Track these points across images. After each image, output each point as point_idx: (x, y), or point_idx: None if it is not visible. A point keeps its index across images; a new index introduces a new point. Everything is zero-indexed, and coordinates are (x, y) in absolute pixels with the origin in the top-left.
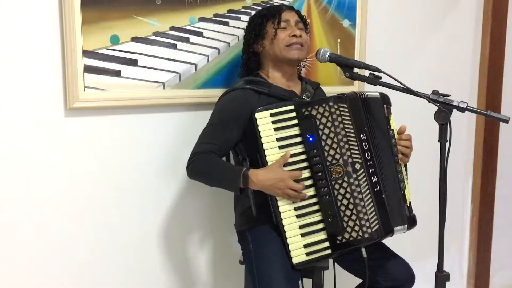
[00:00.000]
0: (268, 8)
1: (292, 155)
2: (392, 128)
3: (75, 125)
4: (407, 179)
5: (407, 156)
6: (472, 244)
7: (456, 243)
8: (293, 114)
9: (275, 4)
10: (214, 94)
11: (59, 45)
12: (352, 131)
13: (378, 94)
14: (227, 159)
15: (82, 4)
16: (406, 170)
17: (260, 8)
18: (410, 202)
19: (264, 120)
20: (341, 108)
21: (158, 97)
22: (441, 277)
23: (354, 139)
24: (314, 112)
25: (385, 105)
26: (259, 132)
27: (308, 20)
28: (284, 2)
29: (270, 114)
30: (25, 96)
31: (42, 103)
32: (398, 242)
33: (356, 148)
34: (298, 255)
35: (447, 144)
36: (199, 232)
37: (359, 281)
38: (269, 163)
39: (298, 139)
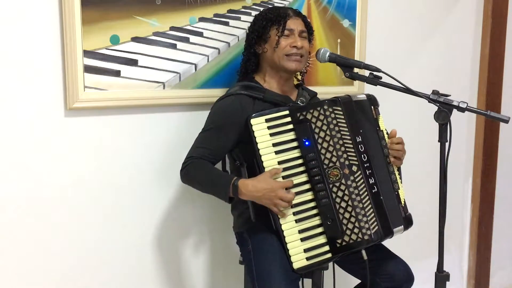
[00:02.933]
0: (275, 11)
1: (289, 160)
2: (381, 129)
3: (75, 125)
4: (400, 179)
5: (399, 159)
6: (472, 244)
7: (456, 243)
8: (288, 119)
9: (277, 5)
10: (214, 94)
11: (59, 45)
12: (348, 133)
13: (365, 96)
14: (223, 164)
15: (82, 4)
16: (399, 171)
17: (260, 8)
18: (404, 201)
19: (259, 126)
20: (335, 111)
21: (158, 97)
22: (441, 277)
23: (350, 142)
24: (309, 116)
25: (372, 107)
26: (255, 138)
27: (313, 29)
28: (284, 3)
29: (265, 119)
30: (25, 96)
31: (42, 103)
32: (398, 242)
33: (352, 150)
34: (298, 260)
35: (447, 144)
36: (198, 233)
37: (358, 281)
38: (266, 169)
39: (294, 144)
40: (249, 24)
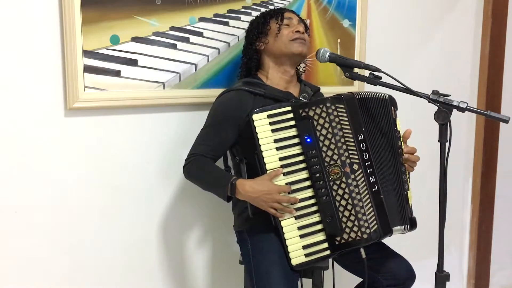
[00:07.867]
0: (270, 9)
1: (290, 156)
2: (398, 129)
3: (75, 125)
4: (409, 182)
5: (412, 167)
6: (472, 244)
7: (456, 243)
8: (290, 115)
9: (277, 5)
10: (214, 94)
11: (59, 45)
12: (350, 131)
13: (387, 95)
14: (225, 160)
15: (82, 4)
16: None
17: (260, 8)
18: (411, 205)
19: (261, 121)
20: (338, 109)
21: (158, 97)
22: (441, 277)
23: (352, 140)
24: (311, 113)
25: (392, 107)
26: (257, 133)
27: (308, 23)
28: (284, 2)
29: (267, 115)
30: (25, 96)
31: (42, 103)
32: (398, 242)
33: (354, 148)
34: (297, 256)
35: (447, 144)
36: (198, 232)
37: (358, 280)
38: (267, 165)
39: (296, 140)
40: (247, 26)
